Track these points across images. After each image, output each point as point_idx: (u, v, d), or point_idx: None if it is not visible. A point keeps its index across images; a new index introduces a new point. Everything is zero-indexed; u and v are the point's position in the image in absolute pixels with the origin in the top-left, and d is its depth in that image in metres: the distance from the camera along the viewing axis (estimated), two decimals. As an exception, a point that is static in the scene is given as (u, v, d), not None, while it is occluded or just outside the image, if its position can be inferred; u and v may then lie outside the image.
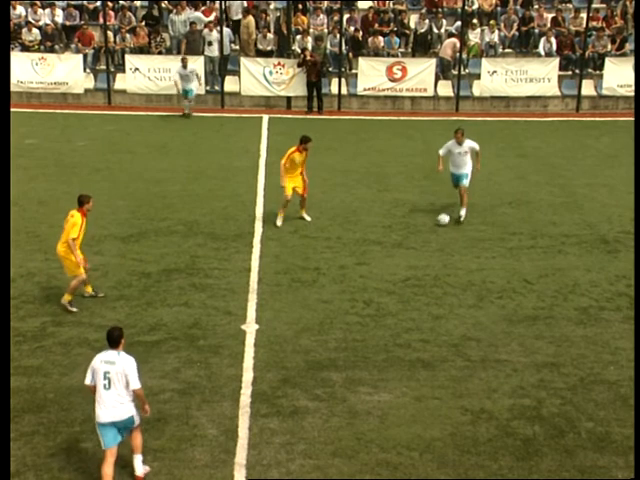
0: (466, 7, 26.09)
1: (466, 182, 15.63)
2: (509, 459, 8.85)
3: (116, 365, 8.15)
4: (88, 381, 8.26)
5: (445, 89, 25.60)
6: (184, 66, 22.89)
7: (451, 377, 10.41)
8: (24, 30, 25.56)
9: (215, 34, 25.19)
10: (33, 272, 13.07)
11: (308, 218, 15.56)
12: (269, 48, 25.61)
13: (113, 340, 8.35)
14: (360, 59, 25.25)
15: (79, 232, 11.64)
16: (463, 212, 15.59)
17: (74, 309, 11.79)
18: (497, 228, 15.53)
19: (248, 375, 10.31)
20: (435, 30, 26.39)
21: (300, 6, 26.61)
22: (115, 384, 8.12)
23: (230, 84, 25.35)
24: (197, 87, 23.58)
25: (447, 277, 13.33)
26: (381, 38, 25.86)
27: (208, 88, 25.31)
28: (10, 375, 8.95)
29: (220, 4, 25.25)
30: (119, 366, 8.14)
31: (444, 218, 15.41)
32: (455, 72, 25.33)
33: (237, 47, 26.22)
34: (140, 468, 8.41)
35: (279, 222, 15.21)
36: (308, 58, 24.04)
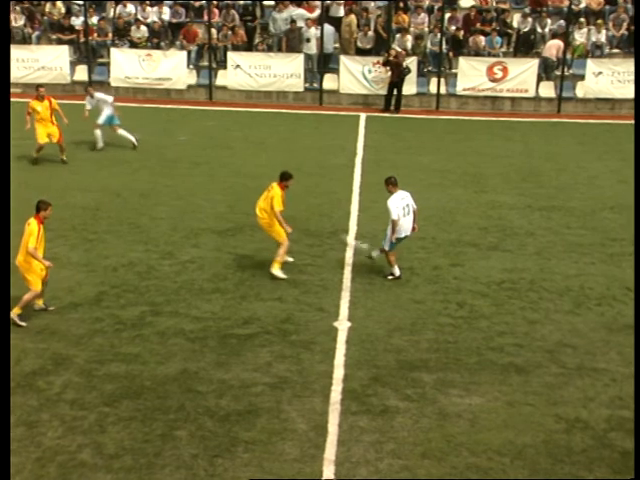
0: (573, 6, 25.48)
1: (382, 243, 12.92)
2: (605, 471, 8.60)
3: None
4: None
5: (547, 90, 25.05)
6: (91, 96, 19.81)
7: (545, 383, 10.18)
8: (133, 27, 26.38)
9: (313, 31, 25.38)
10: (134, 262, 13.45)
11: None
12: (369, 46, 25.61)
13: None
14: (460, 58, 24.99)
15: (37, 241, 11.01)
16: (396, 270, 12.94)
17: (23, 323, 11.18)
18: (598, 233, 15.10)
19: (339, 372, 10.34)
20: (539, 29, 25.84)
21: (401, 4, 26.52)
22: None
23: (329, 82, 25.51)
24: (110, 112, 19.77)
25: (543, 281, 13.05)
26: (482, 37, 25.51)
27: (307, 85, 25.54)
28: (10, 375, 9.08)
29: (322, 2, 25.43)
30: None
31: (360, 246, 13.34)
32: (558, 73, 24.76)
33: (336, 45, 26.33)
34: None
35: (283, 274, 12.95)
36: (391, 58, 23.95)
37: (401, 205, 12.62)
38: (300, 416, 9.40)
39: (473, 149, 20.72)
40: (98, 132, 19.79)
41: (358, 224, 15.25)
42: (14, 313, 11.14)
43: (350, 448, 8.88)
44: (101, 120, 19.67)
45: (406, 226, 12.75)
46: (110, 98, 19.99)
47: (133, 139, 19.97)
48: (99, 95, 19.91)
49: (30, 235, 11.02)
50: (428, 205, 16.36)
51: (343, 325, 11.54)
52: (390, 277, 12.96)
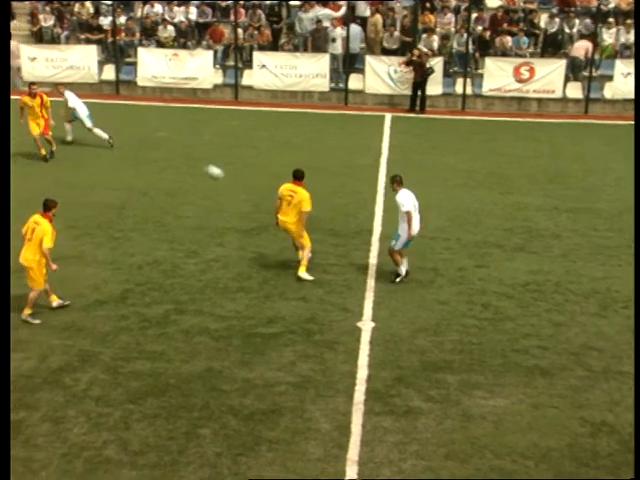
0: (602, 6, 25.24)
1: (393, 243, 12.74)
2: (631, 476, 8.50)
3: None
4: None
5: (574, 91, 24.84)
6: (61, 94, 19.99)
7: (570, 386, 10.12)
8: (160, 27, 26.54)
9: (339, 31, 25.39)
10: (159, 260, 13.53)
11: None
12: (395, 47, 25.56)
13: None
14: (487, 59, 24.85)
15: (51, 240, 11.14)
16: (402, 269, 12.84)
17: (37, 321, 11.33)
18: (625, 235, 14.94)
19: (362, 372, 10.34)
20: (567, 30, 25.64)
21: (428, 4, 26.44)
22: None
23: (354, 82, 25.50)
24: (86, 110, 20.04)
25: (569, 284, 12.96)
26: (509, 38, 25.35)
27: (332, 85, 25.55)
28: (10, 375, 9.11)
29: (347, 2, 25.44)
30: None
31: (214, 172, 13.19)
32: (586, 73, 24.56)
33: (362, 45, 26.30)
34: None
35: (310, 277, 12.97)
36: (415, 58, 23.89)
37: (411, 200, 12.59)
38: (323, 416, 9.41)
39: (499, 150, 20.63)
40: (97, 131, 19.96)
41: (383, 224, 15.22)
42: (25, 314, 11.29)
43: (373, 448, 8.88)
44: (88, 123, 19.85)
45: (416, 224, 12.69)
46: (78, 100, 20.06)
47: (70, 138, 20.15)
48: (68, 94, 19.98)
49: (44, 234, 11.07)
50: (453, 206, 16.34)
51: (367, 325, 11.54)
52: (397, 279, 12.78)
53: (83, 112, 19.92)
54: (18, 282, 11.34)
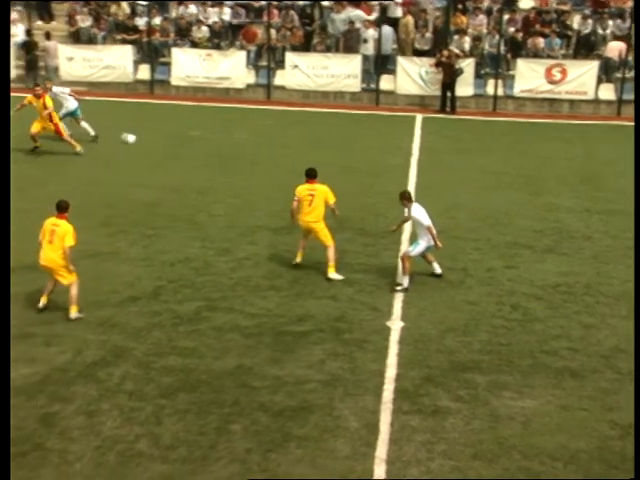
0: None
1: (410, 248, 12.76)
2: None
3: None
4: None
5: (607, 92, 24.69)
6: (50, 90, 19.79)
7: (600, 389, 10.10)
8: (194, 28, 26.81)
9: (371, 32, 25.46)
10: (191, 258, 13.69)
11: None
12: (426, 48, 25.57)
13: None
14: (519, 60, 24.80)
15: (73, 238, 11.29)
16: (405, 280, 12.60)
17: (82, 315, 11.49)
18: (657, 238, 14.87)
19: (391, 371, 10.39)
20: (600, 31, 25.47)
21: (460, 6, 26.43)
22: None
23: (385, 82, 25.55)
24: (72, 105, 20.26)
25: (600, 286, 12.91)
26: (541, 39, 25.26)
27: (364, 86, 25.63)
28: (10, 373, 9.08)
29: (379, 3, 25.50)
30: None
31: (128, 138, 13.38)
32: (619, 75, 24.38)
33: (394, 46, 26.35)
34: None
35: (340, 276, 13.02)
36: (444, 59, 23.89)
37: (426, 214, 12.54)
38: (352, 414, 9.48)
39: (530, 151, 20.57)
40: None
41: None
42: (74, 312, 11.44)
43: (401, 447, 8.92)
44: (60, 114, 19.94)
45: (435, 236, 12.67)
46: (67, 90, 20.31)
47: (93, 132, 20.32)
48: (56, 89, 20.13)
49: (66, 233, 11.22)
50: (483, 206, 16.34)
51: (396, 325, 11.59)
52: (398, 288, 12.60)
53: (70, 105, 20.07)
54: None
